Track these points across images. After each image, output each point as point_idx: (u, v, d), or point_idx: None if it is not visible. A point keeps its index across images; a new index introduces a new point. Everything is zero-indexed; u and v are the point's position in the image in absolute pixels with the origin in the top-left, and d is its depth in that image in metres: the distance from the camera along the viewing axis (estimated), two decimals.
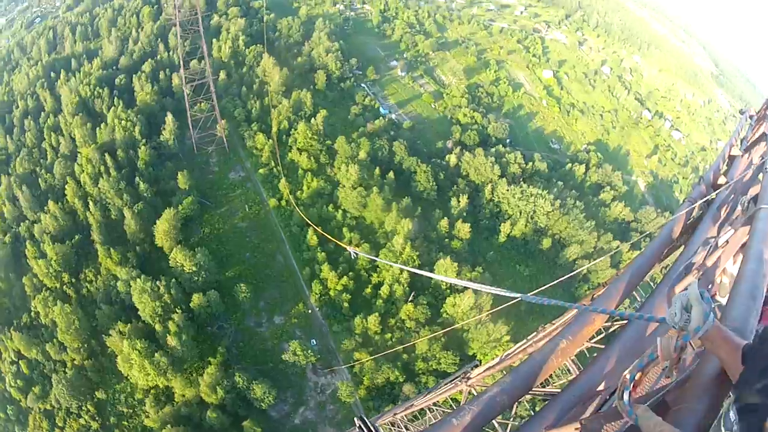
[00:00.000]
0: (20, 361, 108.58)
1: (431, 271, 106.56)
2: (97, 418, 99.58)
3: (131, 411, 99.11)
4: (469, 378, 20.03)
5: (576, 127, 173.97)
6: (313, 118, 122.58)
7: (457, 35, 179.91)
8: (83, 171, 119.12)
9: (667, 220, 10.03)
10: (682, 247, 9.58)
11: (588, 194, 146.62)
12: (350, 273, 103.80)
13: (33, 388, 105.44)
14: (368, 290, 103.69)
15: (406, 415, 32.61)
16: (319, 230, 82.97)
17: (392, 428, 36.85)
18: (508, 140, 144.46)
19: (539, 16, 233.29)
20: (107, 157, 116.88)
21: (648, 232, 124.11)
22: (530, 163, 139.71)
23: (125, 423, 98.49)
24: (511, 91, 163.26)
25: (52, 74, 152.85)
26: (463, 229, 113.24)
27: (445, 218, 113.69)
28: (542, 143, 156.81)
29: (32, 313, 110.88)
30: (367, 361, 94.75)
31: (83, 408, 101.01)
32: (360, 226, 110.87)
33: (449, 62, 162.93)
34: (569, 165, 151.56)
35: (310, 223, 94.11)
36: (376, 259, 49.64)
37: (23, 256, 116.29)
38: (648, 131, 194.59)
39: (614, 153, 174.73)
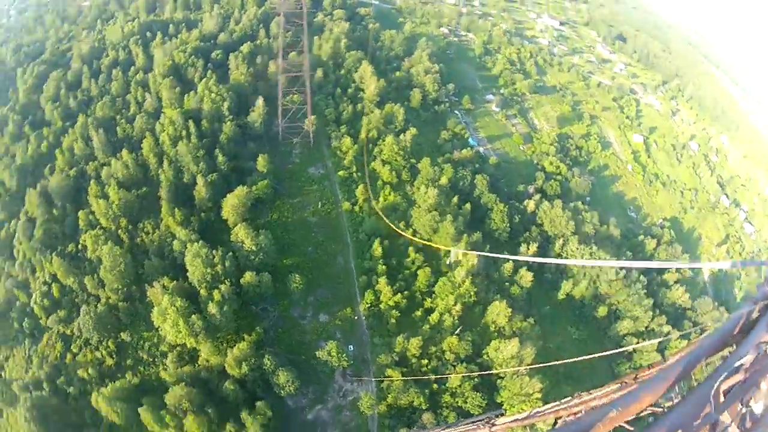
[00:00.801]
0: (53, 284, 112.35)
1: (484, 313, 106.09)
2: (114, 356, 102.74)
3: (151, 360, 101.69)
4: (493, 424, 19.88)
5: (656, 199, 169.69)
6: (402, 134, 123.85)
7: (556, 82, 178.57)
8: (164, 130, 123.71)
9: (726, 320, 9.81)
10: (734, 345, 9.36)
11: (653, 271, 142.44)
12: (405, 292, 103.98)
13: (58, 311, 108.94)
14: (419, 313, 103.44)
15: None
16: (408, 235, 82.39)
17: None
18: (587, 198, 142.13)
19: (637, 77, 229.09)
20: (191, 123, 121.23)
21: (701, 326, 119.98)
22: (604, 226, 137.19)
23: (141, 369, 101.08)
24: (599, 149, 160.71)
25: (148, 34, 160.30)
26: (526, 277, 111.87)
27: (511, 263, 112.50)
28: (620, 208, 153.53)
29: (79, 246, 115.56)
30: (397, 380, 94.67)
31: (103, 343, 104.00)
32: (426, 249, 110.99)
33: (544, 107, 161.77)
34: (641, 237, 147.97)
35: (400, 232, 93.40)
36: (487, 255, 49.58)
37: (84, 191, 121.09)
38: (723, 218, 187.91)
39: (687, 234, 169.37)
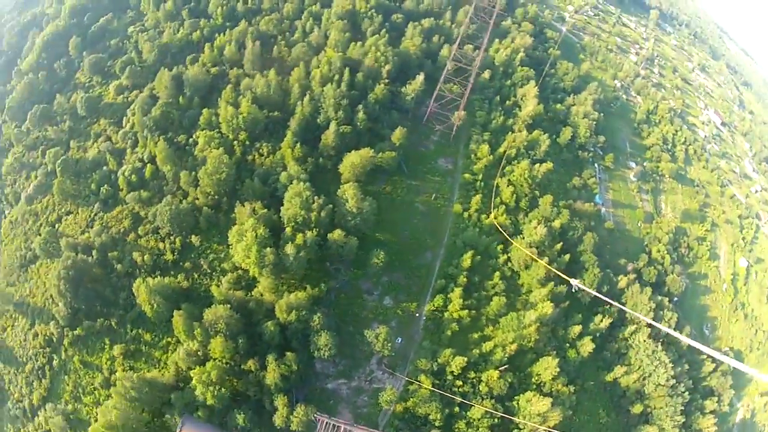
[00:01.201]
0: (149, 165, 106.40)
1: (533, 363, 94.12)
2: (175, 254, 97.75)
3: (209, 272, 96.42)
4: None
5: (733, 326, 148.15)
6: (538, 164, 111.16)
7: (696, 176, 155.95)
8: (319, 67, 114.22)
9: None
10: None
11: (698, 393, 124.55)
12: (473, 311, 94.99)
13: (142, 191, 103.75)
14: (475, 336, 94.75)
15: None
16: (534, 256, 70.59)
17: None
18: (675, 299, 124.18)
19: (766, 203, 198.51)
20: (347, 71, 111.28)
21: None
22: (677, 332, 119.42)
23: (195, 275, 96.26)
24: (707, 257, 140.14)
25: None
26: (587, 347, 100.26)
27: (580, 326, 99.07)
28: (698, 321, 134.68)
29: (190, 140, 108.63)
30: (426, 389, 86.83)
31: (171, 238, 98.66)
32: (510, 280, 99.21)
33: (676, 196, 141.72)
34: (703, 357, 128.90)
35: (528, 253, 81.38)
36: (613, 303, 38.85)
37: (217, 93, 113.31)
38: None
39: (742, 372, 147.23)
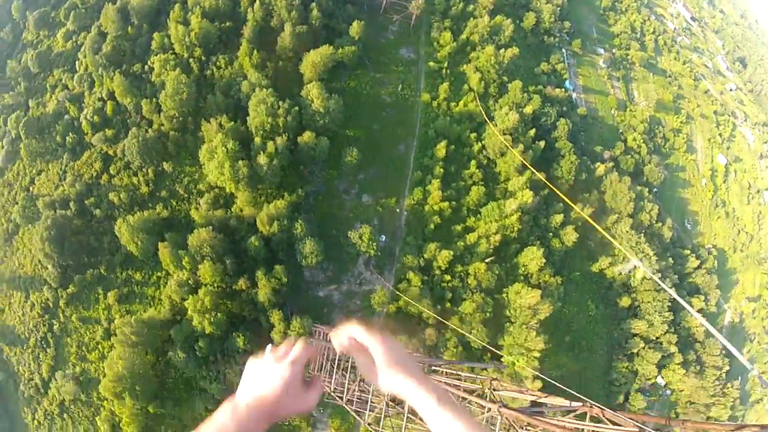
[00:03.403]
0: (109, 102, 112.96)
1: (518, 253, 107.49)
2: (150, 185, 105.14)
3: (186, 196, 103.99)
4: (495, 389, 21.08)
5: (715, 224, 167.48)
6: (503, 49, 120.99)
7: (668, 67, 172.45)
8: None
9: None
10: None
11: (683, 289, 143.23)
12: (453, 202, 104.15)
13: (107, 130, 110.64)
14: (458, 228, 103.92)
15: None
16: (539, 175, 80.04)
17: None
18: (655, 189, 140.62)
19: (742, 104, 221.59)
20: None
21: None
22: (659, 224, 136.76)
23: (173, 202, 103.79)
24: (684, 149, 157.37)
25: None
26: (571, 236, 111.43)
27: (562, 216, 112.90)
28: (679, 215, 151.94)
29: (146, 67, 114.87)
30: (416, 286, 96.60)
31: (143, 170, 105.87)
32: (487, 168, 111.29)
33: (649, 85, 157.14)
34: (688, 251, 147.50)
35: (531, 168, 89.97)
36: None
37: (165, 14, 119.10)
38: (763, 278, 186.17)
39: (726, 272, 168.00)
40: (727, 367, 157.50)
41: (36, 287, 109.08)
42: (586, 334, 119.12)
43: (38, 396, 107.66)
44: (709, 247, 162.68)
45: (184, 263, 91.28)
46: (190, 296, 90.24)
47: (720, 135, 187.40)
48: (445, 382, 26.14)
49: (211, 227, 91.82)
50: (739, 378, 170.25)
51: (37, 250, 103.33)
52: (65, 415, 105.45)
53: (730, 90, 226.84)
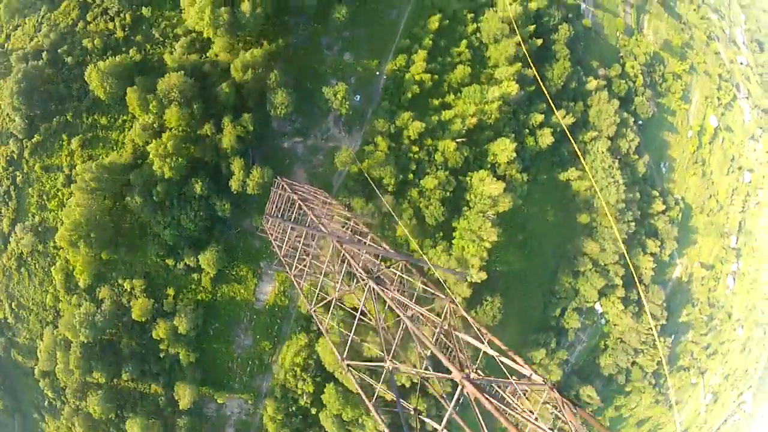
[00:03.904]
0: None
1: (491, 141, 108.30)
2: (126, 30, 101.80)
3: (161, 40, 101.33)
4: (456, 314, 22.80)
5: (689, 178, 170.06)
6: None
7: (684, 14, 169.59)
8: None
9: None
10: None
11: (643, 228, 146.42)
12: (436, 76, 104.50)
13: None
14: (436, 102, 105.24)
15: None
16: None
17: None
18: (640, 122, 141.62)
19: (749, 81, 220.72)
20: None
21: None
22: (635, 156, 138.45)
23: (147, 46, 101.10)
24: (679, 96, 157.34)
25: None
26: (546, 138, 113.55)
27: (543, 116, 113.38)
28: (657, 155, 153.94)
29: None
30: (382, 151, 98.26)
31: (121, 15, 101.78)
32: (477, 51, 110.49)
33: (660, 23, 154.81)
34: (656, 194, 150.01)
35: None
36: None
37: None
38: (720, 251, 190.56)
39: (688, 229, 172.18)
40: (664, 321, 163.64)
41: (3, 142, 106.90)
42: (539, 238, 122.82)
43: None
44: (678, 197, 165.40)
45: (150, 107, 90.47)
46: (153, 140, 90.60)
47: (718, 99, 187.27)
48: None
49: (183, 72, 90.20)
50: (672, 336, 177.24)
51: (6, 104, 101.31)
52: (22, 269, 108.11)
53: (741, 63, 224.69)
